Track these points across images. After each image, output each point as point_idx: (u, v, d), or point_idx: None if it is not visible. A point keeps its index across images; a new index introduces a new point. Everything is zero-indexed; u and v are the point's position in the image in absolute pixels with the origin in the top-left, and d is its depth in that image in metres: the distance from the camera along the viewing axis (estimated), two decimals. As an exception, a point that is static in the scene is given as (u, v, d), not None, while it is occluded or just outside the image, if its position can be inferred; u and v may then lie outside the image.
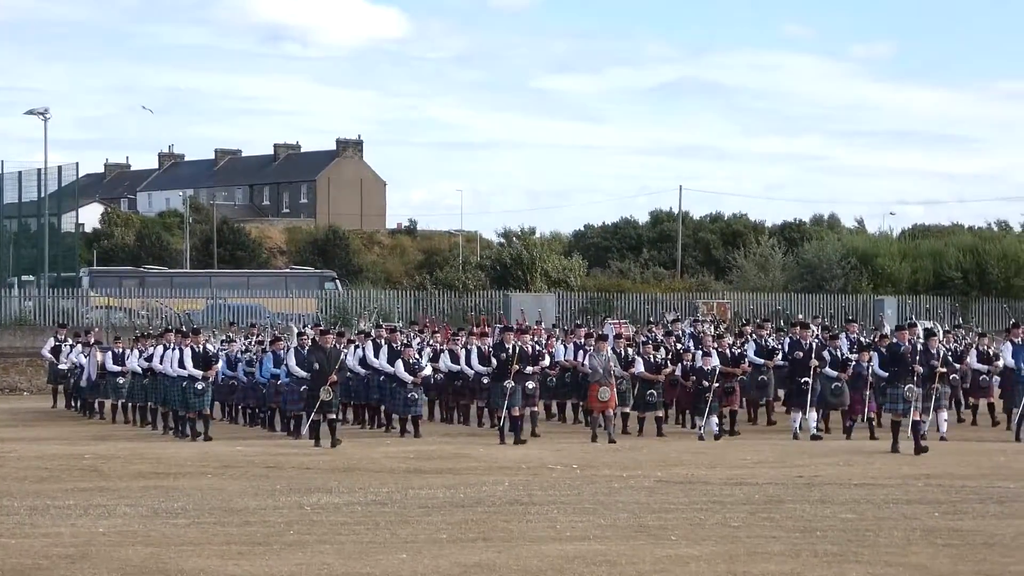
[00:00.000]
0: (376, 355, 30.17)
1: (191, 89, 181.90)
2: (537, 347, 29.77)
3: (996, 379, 32.08)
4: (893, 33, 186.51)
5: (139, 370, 31.99)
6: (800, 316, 45.85)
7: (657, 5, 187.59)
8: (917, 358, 25.35)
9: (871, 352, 28.34)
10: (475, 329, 34.31)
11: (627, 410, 29.59)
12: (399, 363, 28.89)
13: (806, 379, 28.13)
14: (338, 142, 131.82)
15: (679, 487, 20.00)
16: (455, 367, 31.29)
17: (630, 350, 30.33)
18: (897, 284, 68.93)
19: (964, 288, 68.66)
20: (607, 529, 16.11)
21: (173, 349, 29.37)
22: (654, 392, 29.36)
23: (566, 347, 32.23)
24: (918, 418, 24.92)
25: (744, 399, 31.56)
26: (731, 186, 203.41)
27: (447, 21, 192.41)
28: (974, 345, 33.55)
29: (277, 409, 30.71)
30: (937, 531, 15.98)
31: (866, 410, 28.46)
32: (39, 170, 64.88)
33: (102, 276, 69.99)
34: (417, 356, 29.67)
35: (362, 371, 30.70)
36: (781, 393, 31.83)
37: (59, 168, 65.35)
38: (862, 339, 31.99)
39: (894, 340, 26.55)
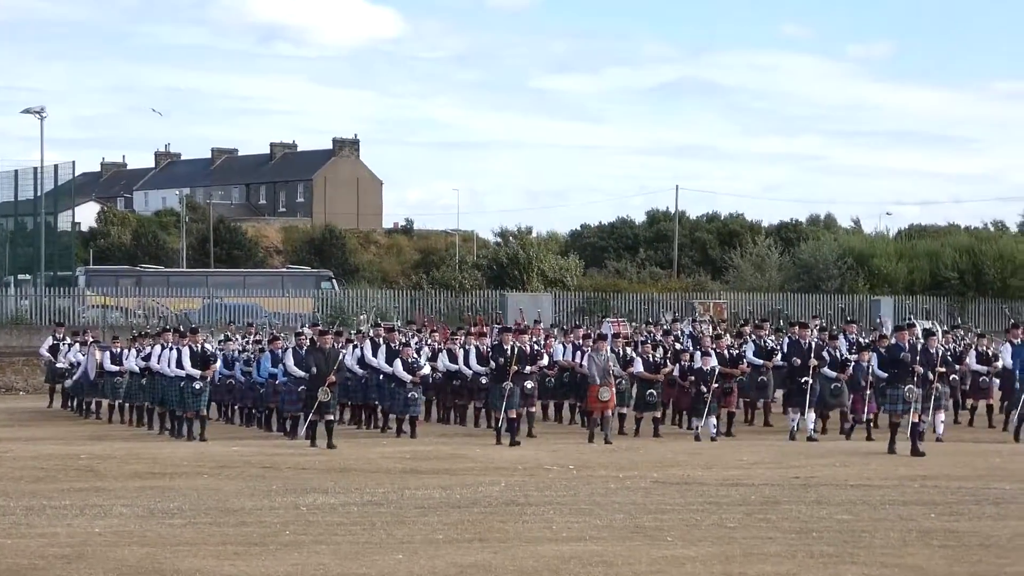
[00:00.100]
0: (374, 354, 30.17)
1: (188, 88, 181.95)
2: (536, 347, 29.79)
3: (995, 380, 32.10)
4: (891, 33, 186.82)
5: (137, 369, 31.98)
6: (803, 318, 45.79)
7: (655, 5, 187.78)
8: (917, 358, 25.36)
9: (870, 353, 28.39)
10: (473, 329, 34.26)
11: (624, 410, 29.58)
12: (397, 362, 28.88)
13: (806, 379, 28.14)
14: (334, 141, 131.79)
15: (675, 488, 20.01)
16: (453, 367, 31.30)
17: (628, 349, 30.35)
18: (893, 284, 68.96)
19: (960, 288, 68.70)
20: (603, 530, 16.12)
21: (171, 349, 29.33)
22: (654, 392, 29.39)
23: (565, 347, 32.23)
24: (916, 419, 24.92)
25: (743, 400, 31.55)
26: (729, 186, 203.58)
27: (445, 21, 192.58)
28: (973, 346, 33.57)
29: (275, 409, 30.67)
30: (933, 532, 16.00)
31: (866, 411, 28.47)
32: (35, 169, 64.87)
33: (98, 275, 69.96)
34: (415, 355, 29.66)
35: (360, 371, 30.69)
36: (779, 394, 31.86)
37: (55, 167, 65.32)
38: (861, 340, 32.01)
39: (893, 341, 26.57)
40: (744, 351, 31.11)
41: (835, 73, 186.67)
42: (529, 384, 28.01)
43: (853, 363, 29.10)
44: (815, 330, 30.67)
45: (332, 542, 15.27)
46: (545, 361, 30.06)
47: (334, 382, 26.81)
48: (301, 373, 27.65)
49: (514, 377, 27.16)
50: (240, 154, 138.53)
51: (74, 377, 36.47)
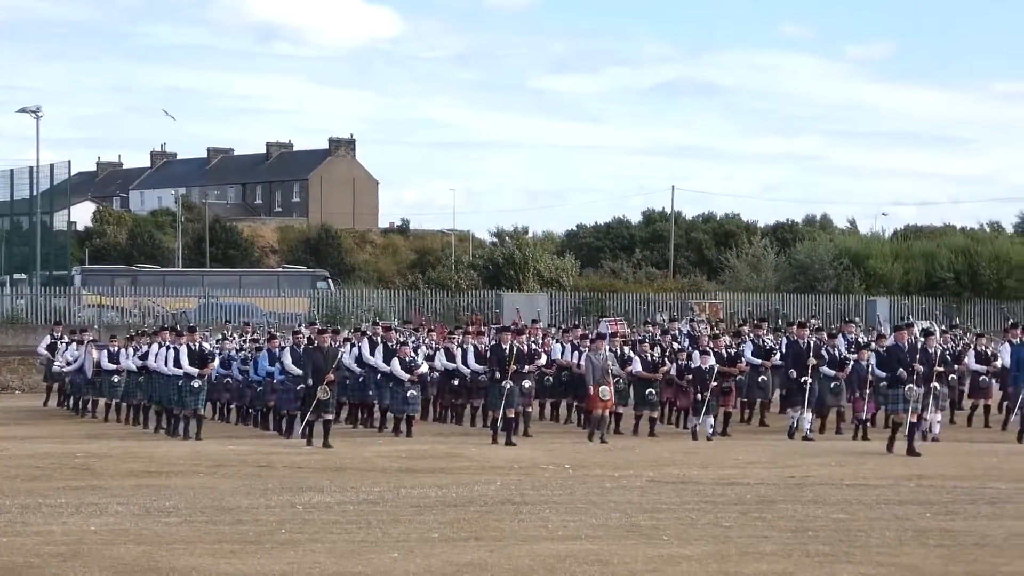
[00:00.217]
0: (372, 353, 30.15)
1: (185, 88, 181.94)
2: (534, 346, 29.81)
3: (994, 380, 32.13)
4: (890, 34, 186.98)
5: (134, 368, 31.99)
6: (799, 318, 45.79)
7: (655, 5, 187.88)
8: (917, 357, 25.38)
9: (869, 352, 28.42)
10: (470, 328, 34.25)
11: (621, 410, 29.58)
12: (395, 361, 28.88)
13: (805, 378, 28.15)
14: (331, 141, 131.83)
15: (671, 487, 20.01)
16: (451, 365, 31.30)
17: (626, 349, 30.37)
18: (889, 285, 68.95)
19: (956, 289, 68.72)
20: (599, 529, 16.12)
21: (168, 347, 29.29)
22: (652, 391, 29.41)
23: (563, 347, 32.23)
24: (915, 419, 24.93)
25: (742, 400, 31.53)
26: (728, 186, 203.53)
27: (443, 21, 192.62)
28: (972, 346, 33.58)
29: (272, 408, 30.62)
30: (929, 532, 16.00)
31: (866, 410, 28.47)
32: (31, 168, 64.83)
33: (94, 275, 69.91)
34: (413, 354, 29.67)
35: (358, 369, 30.68)
36: (777, 395, 31.90)
37: (51, 166, 65.24)
38: (860, 339, 32.03)
39: (892, 340, 26.61)
40: (742, 350, 31.14)
41: (833, 73, 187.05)
42: (527, 383, 28.06)
43: (852, 362, 29.13)
44: (813, 329, 30.72)
45: (328, 540, 15.27)
46: (543, 360, 30.08)
47: (333, 381, 26.82)
48: (299, 372, 27.68)
49: (512, 376, 27.19)
50: (236, 154, 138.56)
51: (66, 370, 36.50)
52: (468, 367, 30.71)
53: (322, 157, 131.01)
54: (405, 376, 28.66)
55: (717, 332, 33.49)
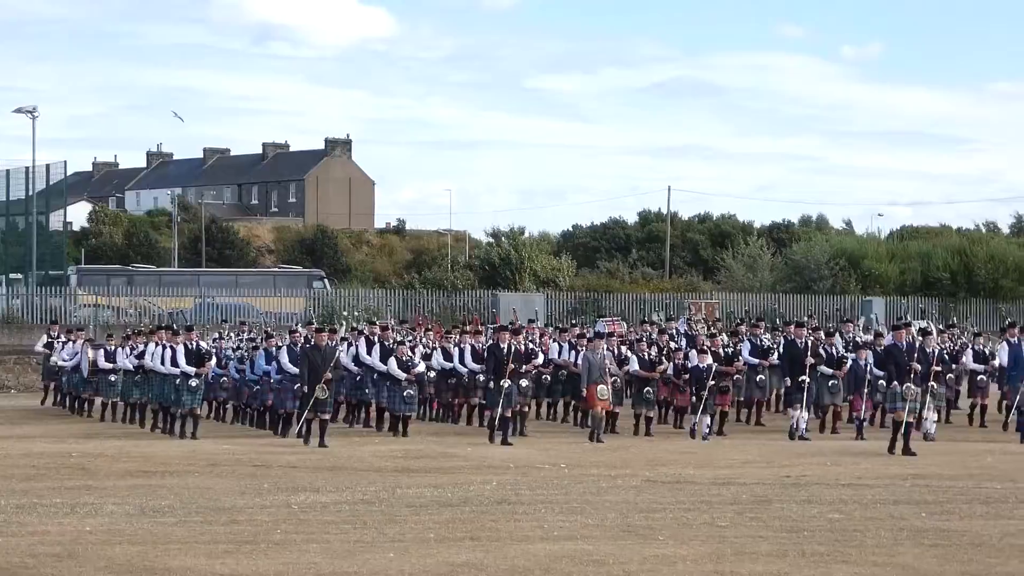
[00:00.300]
0: (369, 352, 30.12)
1: (181, 88, 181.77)
2: (531, 346, 29.83)
3: (992, 380, 32.16)
4: (884, 34, 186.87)
5: (130, 367, 31.98)
6: (794, 319, 45.80)
7: (649, 5, 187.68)
8: (915, 357, 25.39)
9: (867, 351, 28.46)
10: (468, 328, 34.23)
11: (617, 409, 29.57)
12: (392, 360, 28.88)
13: (803, 378, 28.17)
14: (327, 141, 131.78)
15: (667, 487, 20.02)
16: (448, 365, 31.30)
17: (624, 348, 30.37)
18: (885, 285, 68.98)
19: (951, 289, 68.74)
20: (595, 529, 16.12)
21: (165, 347, 29.24)
22: (650, 389, 29.42)
23: (561, 346, 32.22)
24: (911, 419, 24.93)
25: (739, 400, 31.50)
26: (723, 186, 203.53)
27: (438, 21, 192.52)
28: (970, 345, 33.59)
29: (269, 408, 30.57)
30: (924, 531, 16.01)
31: (863, 409, 28.46)
32: (27, 168, 64.71)
33: (90, 274, 69.84)
34: (410, 354, 29.67)
35: (355, 369, 30.68)
36: (775, 395, 31.91)
37: (47, 166, 65.15)
38: (858, 338, 32.04)
39: (891, 339, 26.63)
40: (740, 350, 31.17)
41: (829, 74, 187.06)
42: (524, 383, 28.09)
43: (851, 361, 29.14)
44: (811, 329, 30.75)
45: (323, 541, 15.26)
46: (540, 360, 30.11)
47: (330, 379, 26.83)
48: (295, 370, 27.71)
49: (510, 376, 27.20)
50: (232, 154, 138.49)
51: (65, 363, 36.52)
52: (465, 366, 30.72)
53: (318, 157, 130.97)
54: (402, 375, 28.67)
55: (714, 331, 33.50)
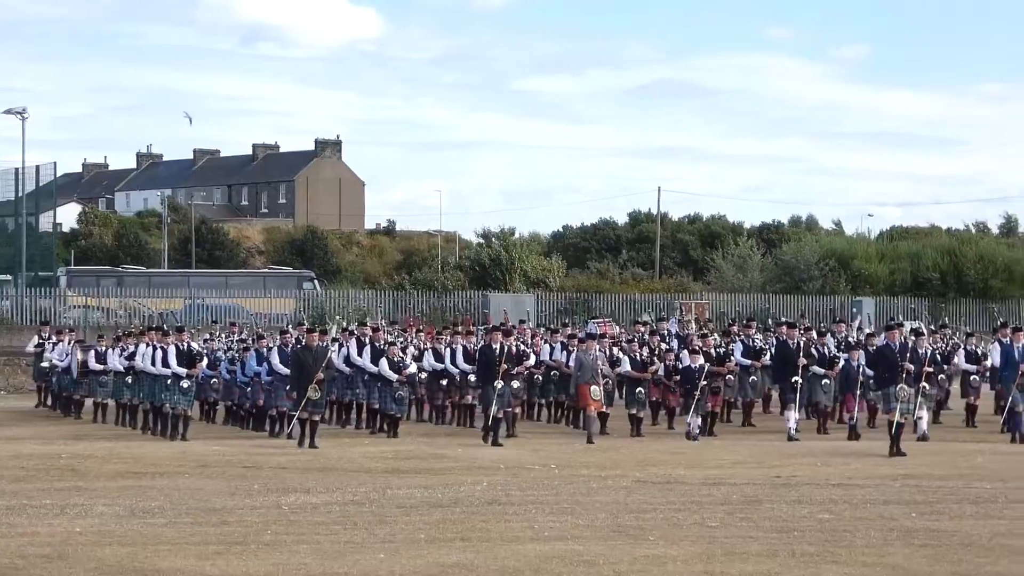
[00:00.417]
0: (359, 354, 30.08)
1: (170, 89, 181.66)
2: (522, 347, 29.80)
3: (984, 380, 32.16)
4: (872, 35, 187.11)
5: (121, 368, 31.93)
6: (785, 319, 45.86)
7: (638, 7, 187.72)
8: (908, 356, 25.41)
9: (859, 351, 28.48)
10: (460, 329, 34.18)
11: (607, 410, 29.56)
12: (383, 361, 28.85)
13: (796, 378, 28.17)
14: (317, 142, 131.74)
15: (657, 487, 20.03)
16: (439, 366, 31.28)
17: (615, 350, 30.39)
18: (875, 285, 69.05)
19: (941, 289, 68.82)
20: (585, 529, 16.13)
21: (156, 348, 29.16)
22: (642, 390, 29.44)
23: (552, 347, 32.20)
24: (903, 420, 24.94)
25: (728, 400, 31.48)
26: (711, 187, 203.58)
27: (427, 22, 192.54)
28: (962, 345, 33.60)
29: (260, 408, 30.52)
30: (914, 532, 16.03)
31: (856, 410, 28.45)
32: (16, 169, 64.68)
33: (80, 276, 69.77)
34: (401, 355, 29.66)
35: (347, 370, 30.64)
36: (774, 393, 31.91)
37: (37, 168, 65.10)
38: (851, 338, 32.06)
39: (883, 340, 26.64)
40: (732, 350, 31.19)
41: (817, 75, 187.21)
42: (516, 384, 28.08)
43: (843, 361, 29.16)
44: (802, 329, 30.77)
45: (314, 541, 15.25)
46: (532, 361, 30.11)
47: (322, 380, 26.82)
48: (286, 371, 27.70)
49: (502, 377, 27.20)
50: (222, 155, 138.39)
51: (52, 361, 36.49)
52: (457, 367, 30.72)
53: (308, 158, 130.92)
54: (394, 376, 28.65)
55: (706, 332, 33.51)
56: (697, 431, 28.19)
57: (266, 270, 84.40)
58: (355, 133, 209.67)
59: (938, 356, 29.25)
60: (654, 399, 30.57)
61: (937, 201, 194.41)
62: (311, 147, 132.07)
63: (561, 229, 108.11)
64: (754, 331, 32.96)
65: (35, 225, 65.53)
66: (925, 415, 27.87)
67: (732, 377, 30.87)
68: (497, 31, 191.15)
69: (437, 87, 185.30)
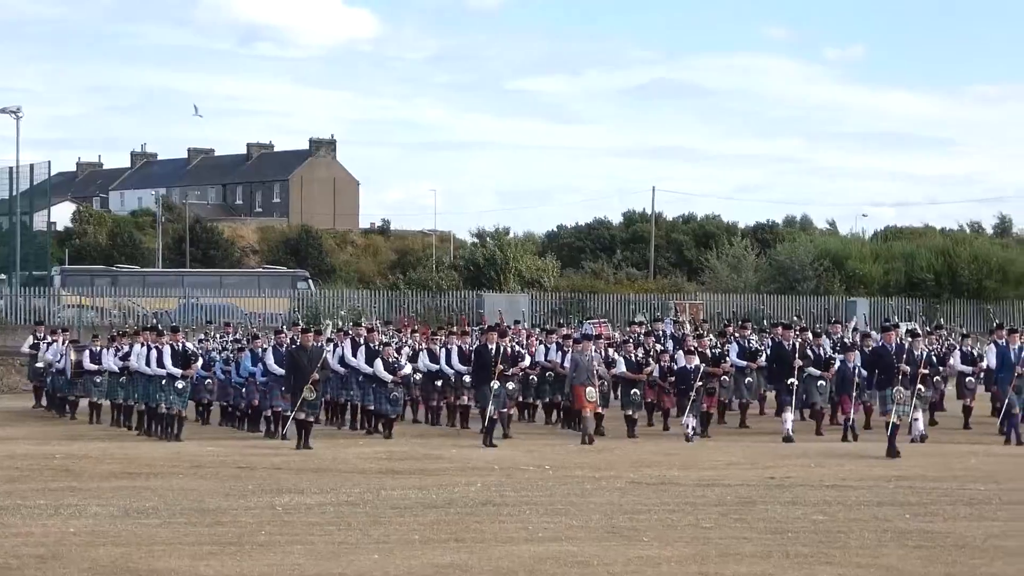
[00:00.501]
0: (354, 354, 30.04)
1: (165, 88, 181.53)
2: (518, 347, 29.82)
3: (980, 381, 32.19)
4: (868, 36, 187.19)
5: (115, 368, 31.90)
6: (778, 319, 45.84)
7: (633, 7, 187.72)
8: (903, 358, 25.42)
9: (855, 352, 28.50)
10: (455, 329, 34.17)
11: (601, 411, 29.55)
12: (378, 362, 28.82)
13: (791, 380, 28.17)
14: (311, 142, 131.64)
15: (651, 488, 20.03)
16: (434, 367, 31.27)
17: (611, 351, 30.38)
18: (869, 286, 69.07)
19: (935, 290, 68.84)
20: (579, 530, 16.13)
21: (150, 348, 29.10)
22: (637, 391, 29.44)
23: (547, 347, 32.17)
24: (897, 421, 24.95)
25: (723, 401, 31.47)
26: (706, 187, 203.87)
27: (423, 22, 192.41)
28: (958, 346, 33.61)
29: (256, 408, 30.48)
30: (908, 533, 16.04)
31: (852, 411, 28.45)
32: (11, 168, 64.56)
33: (74, 275, 69.70)
34: (396, 355, 29.64)
35: (342, 370, 30.62)
36: (770, 395, 31.89)
37: (31, 167, 65.03)
38: (846, 339, 32.07)
39: (879, 341, 26.64)
40: (728, 351, 31.20)
41: (812, 75, 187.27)
42: (511, 385, 28.09)
43: (838, 362, 29.17)
44: (798, 330, 30.77)
45: (308, 542, 15.25)
46: (527, 362, 30.11)
47: (318, 380, 26.80)
48: (281, 371, 27.69)
49: (498, 377, 27.20)
50: (216, 154, 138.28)
51: (48, 360, 36.48)
52: (452, 368, 30.72)
53: (303, 158, 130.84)
54: (389, 377, 28.63)
55: (701, 332, 33.51)
56: (691, 431, 28.18)
57: (260, 270, 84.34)
58: (350, 133, 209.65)
59: (934, 357, 29.24)
60: (649, 400, 30.58)
61: (932, 201, 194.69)
62: (306, 146, 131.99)
63: (556, 229, 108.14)
64: (750, 332, 32.98)
65: (29, 224, 65.46)
66: (920, 416, 27.87)
67: (727, 378, 30.89)
68: (493, 31, 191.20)
69: (432, 87, 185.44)
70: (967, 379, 32.37)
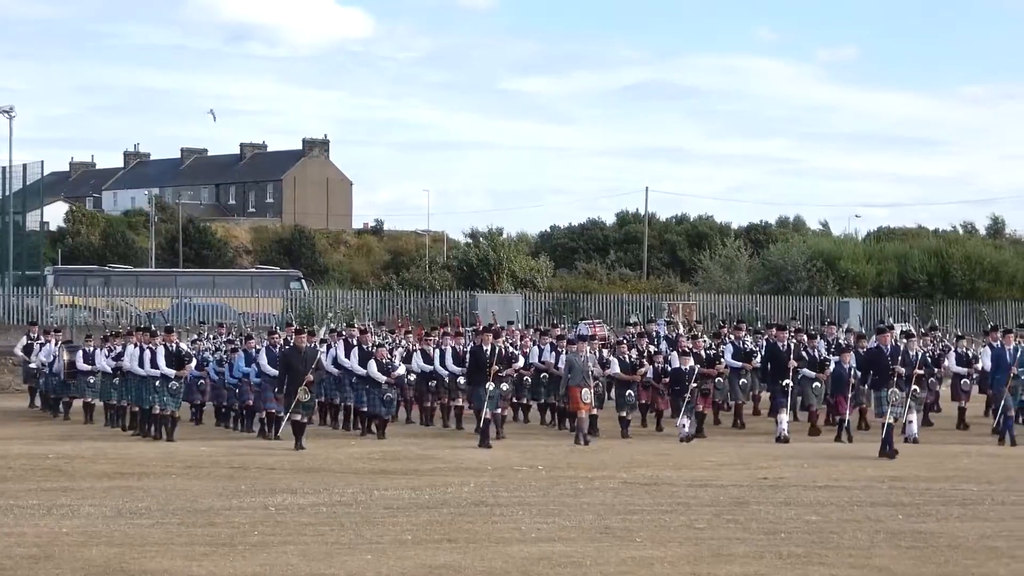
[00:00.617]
0: (347, 355, 29.99)
1: (158, 88, 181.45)
2: (512, 348, 29.79)
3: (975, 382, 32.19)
4: (859, 37, 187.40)
5: (108, 369, 31.85)
6: (771, 319, 45.91)
7: (625, 8, 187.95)
8: (899, 359, 25.43)
9: (850, 354, 28.51)
10: (449, 330, 34.13)
11: (595, 412, 29.53)
12: (371, 363, 28.78)
13: (786, 381, 28.18)
14: (304, 142, 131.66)
15: (644, 489, 20.03)
16: (428, 368, 31.25)
17: (605, 352, 30.37)
18: (862, 286, 69.13)
19: (928, 291, 68.92)
20: (572, 530, 16.13)
21: (143, 349, 29.04)
22: (631, 392, 29.45)
23: (541, 348, 32.14)
24: (892, 422, 24.96)
25: (716, 402, 31.45)
26: (697, 188, 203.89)
27: (414, 22, 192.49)
28: (953, 348, 33.62)
29: (250, 409, 30.44)
30: (901, 533, 16.05)
31: (847, 412, 28.42)
32: (3, 168, 64.55)
33: (67, 275, 69.66)
34: (390, 356, 29.62)
35: (335, 371, 30.59)
36: (765, 395, 31.89)
37: (24, 166, 65.01)
38: (840, 341, 32.08)
39: (874, 343, 26.64)
40: (722, 352, 31.19)
41: (804, 76, 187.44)
42: (504, 386, 28.08)
43: (833, 364, 29.18)
44: (793, 331, 30.78)
45: (301, 542, 15.25)
46: (521, 363, 30.10)
47: (312, 381, 26.78)
48: (275, 372, 27.66)
49: (493, 378, 27.19)
50: (210, 154, 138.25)
51: (41, 361, 36.48)
52: (446, 368, 30.70)
53: (296, 158, 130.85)
54: (382, 378, 28.60)
55: (696, 333, 33.49)
56: (686, 432, 28.16)
57: (253, 270, 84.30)
58: (343, 133, 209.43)
59: (928, 359, 29.26)
60: (643, 401, 30.58)
61: (924, 202, 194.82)
62: (299, 146, 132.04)
63: (549, 229, 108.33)
64: (744, 333, 32.98)
65: (22, 224, 65.40)
66: (915, 418, 27.89)
67: (722, 379, 30.89)
68: (484, 31, 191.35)
69: (424, 87, 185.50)
70: (962, 381, 32.36)
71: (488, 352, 27.53)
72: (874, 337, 27.87)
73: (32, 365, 38.29)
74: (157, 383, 28.45)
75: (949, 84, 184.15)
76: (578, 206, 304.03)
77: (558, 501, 18.66)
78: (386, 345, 30.75)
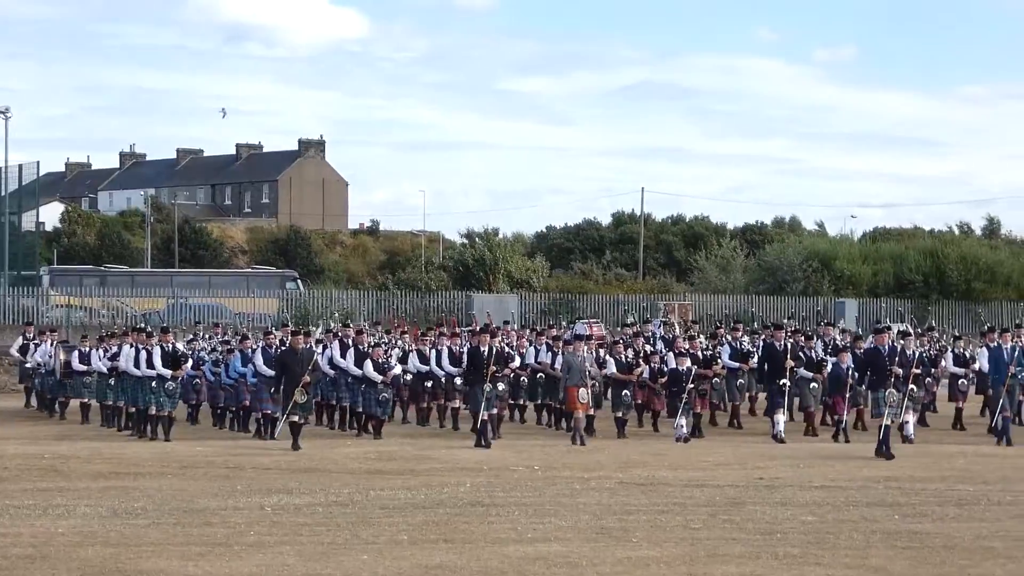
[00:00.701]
0: (343, 355, 29.95)
1: (153, 88, 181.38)
2: (508, 349, 29.78)
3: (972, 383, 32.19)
4: (857, 37, 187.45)
5: (104, 369, 31.83)
6: (767, 320, 45.89)
7: (624, 8, 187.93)
8: (896, 360, 25.42)
9: (847, 354, 28.52)
10: (446, 330, 34.11)
11: (592, 412, 29.51)
12: (367, 363, 28.76)
13: (783, 381, 28.19)
14: (300, 142, 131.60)
15: (640, 489, 20.03)
16: (424, 368, 31.22)
17: (602, 351, 30.36)
18: (858, 287, 69.19)
19: (924, 291, 68.97)
20: (568, 531, 16.13)
21: (139, 349, 29.02)
22: (627, 392, 29.45)
23: (537, 349, 32.11)
24: (889, 423, 24.95)
25: (713, 402, 31.43)
26: (697, 188, 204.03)
27: (411, 22, 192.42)
28: (950, 348, 33.60)
29: (246, 409, 30.42)
30: (897, 534, 16.05)
31: (844, 413, 28.42)
32: (-1, 169, 64.59)
33: (62, 275, 69.66)
34: (386, 356, 29.61)
35: (331, 372, 30.55)
36: (761, 396, 31.89)
37: (19, 167, 65.06)
38: (838, 341, 32.09)
39: (871, 343, 26.64)
40: (719, 352, 31.18)
41: (803, 76, 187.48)
42: (501, 386, 28.07)
43: (830, 364, 29.17)
44: (790, 332, 30.78)
45: (297, 543, 15.24)
46: (517, 363, 30.08)
47: (308, 382, 26.75)
48: (271, 372, 27.64)
49: (490, 379, 27.18)
50: (205, 155, 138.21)
51: (37, 361, 36.47)
52: (442, 369, 30.69)
53: (292, 158, 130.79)
54: (378, 378, 28.58)
55: (692, 334, 33.49)
56: (683, 432, 28.15)
57: (249, 270, 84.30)
58: (339, 133, 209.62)
59: (925, 359, 29.25)
60: (639, 402, 30.57)
61: (921, 203, 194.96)
62: (295, 147, 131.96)
63: (545, 230, 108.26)
64: (741, 333, 32.98)
65: (18, 224, 65.43)
66: (911, 418, 27.89)
67: (719, 380, 30.89)
68: (481, 31, 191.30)
69: (421, 87, 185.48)
70: (960, 381, 32.37)
71: (485, 353, 27.52)
72: (871, 337, 27.86)
73: (28, 365, 38.27)
74: (153, 383, 28.45)
75: (948, 84, 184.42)
76: (574, 206, 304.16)
77: (554, 501, 18.65)
78: (382, 345, 30.72)
